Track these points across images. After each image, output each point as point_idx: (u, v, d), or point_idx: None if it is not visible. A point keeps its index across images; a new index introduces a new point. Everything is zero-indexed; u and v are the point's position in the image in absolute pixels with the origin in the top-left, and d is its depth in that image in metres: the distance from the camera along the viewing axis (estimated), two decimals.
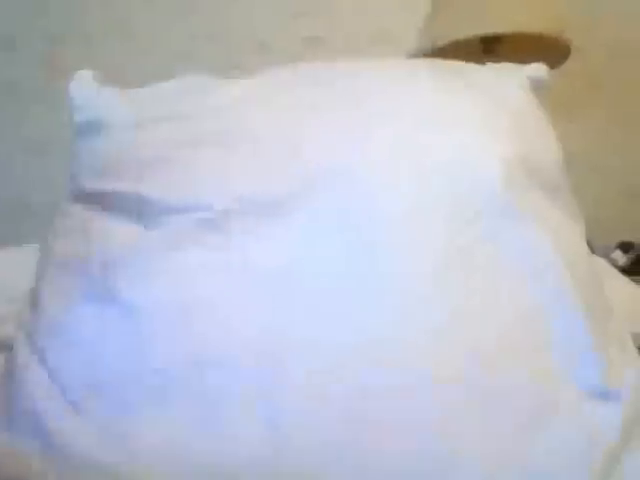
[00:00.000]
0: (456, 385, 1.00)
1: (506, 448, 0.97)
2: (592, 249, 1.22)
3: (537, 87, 1.35)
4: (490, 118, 1.21)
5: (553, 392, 1.01)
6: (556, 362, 1.03)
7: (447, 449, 0.97)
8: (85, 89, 1.33)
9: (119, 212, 1.18)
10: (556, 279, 1.07)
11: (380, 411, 0.99)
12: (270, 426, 1.00)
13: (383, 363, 1.02)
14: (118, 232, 1.16)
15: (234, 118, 1.24)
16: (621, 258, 2.16)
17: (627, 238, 2.29)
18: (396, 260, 1.08)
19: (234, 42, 2.37)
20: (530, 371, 1.02)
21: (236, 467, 0.98)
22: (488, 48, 2.09)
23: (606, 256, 1.94)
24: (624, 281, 1.33)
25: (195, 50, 2.34)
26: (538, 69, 1.38)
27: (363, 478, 0.97)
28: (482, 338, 1.03)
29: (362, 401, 1.00)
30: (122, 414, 1.03)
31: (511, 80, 1.32)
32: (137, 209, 1.18)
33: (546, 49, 2.00)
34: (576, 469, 0.96)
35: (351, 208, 1.12)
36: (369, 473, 0.97)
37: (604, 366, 1.03)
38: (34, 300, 1.18)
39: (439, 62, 1.43)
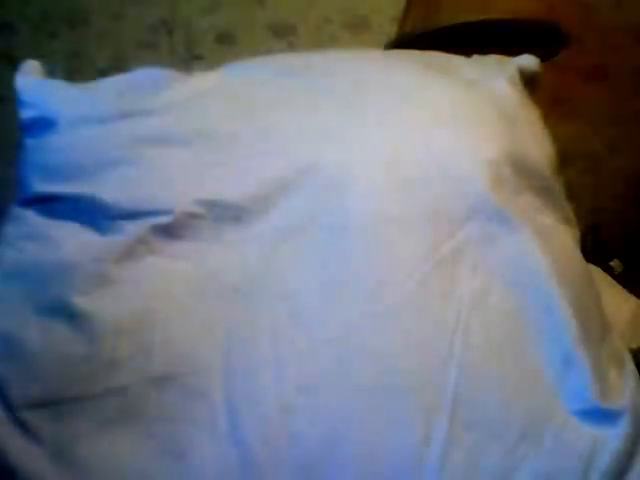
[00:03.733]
0: (438, 398, 1.03)
1: (491, 466, 1.00)
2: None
3: (528, 81, 1.36)
4: (476, 116, 1.23)
5: (542, 410, 1.04)
6: (546, 378, 1.05)
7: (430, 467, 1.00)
8: (33, 82, 1.31)
9: (72, 217, 1.19)
10: (545, 288, 1.09)
11: (357, 429, 1.02)
12: (237, 445, 1.02)
13: (358, 377, 1.05)
14: (70, 239, 1.17)
15: (197, 115, 1.25)
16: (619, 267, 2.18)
17: None
18: (374, 268, 1.10)
19: (194, 31, 2.37)
20: (517, 387, 1.04)
21: None
22: (474, 37, 2.09)
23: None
24: (621, 292, 1.35)
25: (152, 40, 2.34)
26: (529, 61, 1.39)
27: None
28: (465, 350, 1.05)
29: (336, 418, 1.03)
30: (75, 437, 1.05)
31: (499, 73, 1.33)
32: (91, 214, 1.18)
33: (539, 38, 2.00)
34: None
35: (325, 213, 1.14)
36: None
37: (599, 383, 1.05)
38: None
39: (420, 54, 1.44)
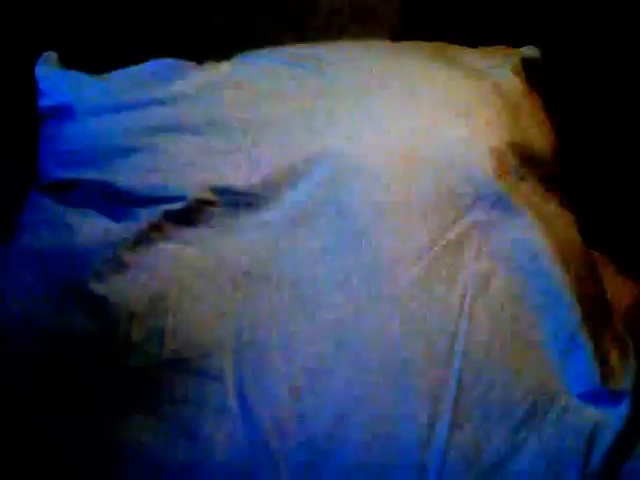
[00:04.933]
0: (443, 381, 1.05)
1: (495, 447, 1.03)
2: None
3: (531, 70, 1.37)
4: (482, 105, 1.25)
5: (545, 392, 1.06)
6: (549, 361, 1.08)
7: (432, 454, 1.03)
8: (51, 72, 1.33)
9: (88, 204, 1.21)
10: (548, 272, 1.11)
11: (364, 411, 1.05)
12: (247, 426, 1.05)
13: (364, 360, 1.07)
14: (86, 225, 1.20)
15: (209, 104, 1.27)
16: None
17: None
18: (380, 254, 1.12)
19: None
20: (520, 370, 1.07)
21: (211, 472, 1.04)
22: (480, 27, 2.07)
23: None
24: (622, 276, 1.35)
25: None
26: (532, 51, 1.41)
27: None
28: (470, 334, 1.08)
29: (343, 400, 1.06)
30: (90, 418, 1.08)
31: (504, 63, 1.35)
32: (106, 200, 1.21)
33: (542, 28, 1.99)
34: (569, 472, 1.02)
35: (333, 200, 1.16)
36: None
37: (601, 366, 1.08)
38: None
39: (426, 44, 1.45)
